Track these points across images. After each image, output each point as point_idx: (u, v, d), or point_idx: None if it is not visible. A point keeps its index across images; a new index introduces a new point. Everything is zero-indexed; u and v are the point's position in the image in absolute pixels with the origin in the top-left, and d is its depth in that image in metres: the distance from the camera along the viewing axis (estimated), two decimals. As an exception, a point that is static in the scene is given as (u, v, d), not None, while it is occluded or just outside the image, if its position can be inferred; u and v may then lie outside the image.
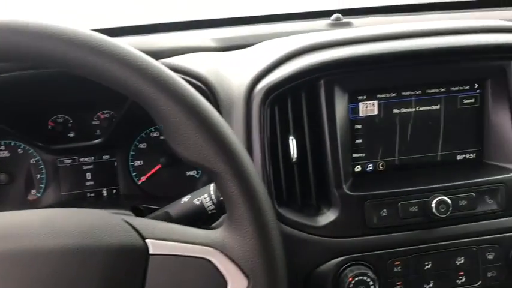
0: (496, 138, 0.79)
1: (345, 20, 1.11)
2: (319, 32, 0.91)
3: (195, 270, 0.47)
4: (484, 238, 0.76)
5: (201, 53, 0.88)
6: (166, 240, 0.48)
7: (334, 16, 1.11)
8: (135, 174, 0.90)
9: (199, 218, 0.62)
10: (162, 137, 0.91)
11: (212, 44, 1.01)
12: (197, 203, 0.61)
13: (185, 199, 0.63)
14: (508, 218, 0.77)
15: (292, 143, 0.74)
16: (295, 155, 0.74)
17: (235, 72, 0.80)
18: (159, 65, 0.48)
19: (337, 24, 1.10)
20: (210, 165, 0.46)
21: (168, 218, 0.62)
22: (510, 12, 1.10)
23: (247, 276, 0.47)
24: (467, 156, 0.81)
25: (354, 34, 0.79)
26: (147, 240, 0.48)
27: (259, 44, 0.89)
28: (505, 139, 0.78)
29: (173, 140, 0.47)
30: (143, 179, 0.90)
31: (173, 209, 0.63)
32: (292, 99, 0.75)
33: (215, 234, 0.49)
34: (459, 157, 0.81)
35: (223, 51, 0.96)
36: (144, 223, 0.49)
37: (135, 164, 0.90)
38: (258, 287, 0.47)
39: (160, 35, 1.04)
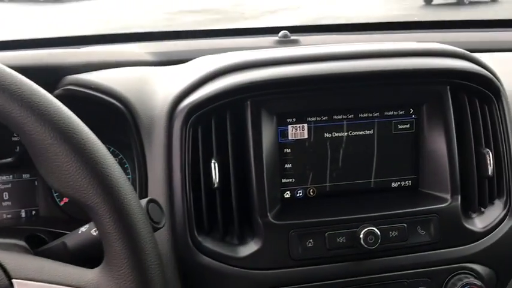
0: (431, 166, 0.76)
1: (293, 37, 1.08)
2: (259, 49, 0.87)
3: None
4: (415, 271, 0.73)
5: (132, 67, 0.83)
6: (34, 280, 0.42)
7: (281, 33, 1.08)
8: (56, 195, 0.84)
9: (97, 250, 0.56)
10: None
11: (150, 58, 0.96)
12: (94, 234, 0.56)
13: (83, 229, 0.57)
14: (440, 251, 0.73)
15: (215, 167, 0.69)
16: (217, 180, 0.69)
17: (160, 90, 0.75)
18: (31, 84, 0.43)
19: (284, 42, 1.07)
20: (82, 199, 0.41)
21: (63, 250, 0.57)
22: (453, 35, 1.09)
23: None
24: (403, 183, 0.78)
25: (288, 54, 0.75)
26: (13, 281, 0.42)
27: (194, 60, 0.85)
28: (440, 167, 0.75)
29: (43, 168, 0.42)
30: (65, 200, 0.84)
31: (70, 239, 0.57)
32: (217, 120, 0.71)
33: (91, 274, 0.44)
34: (394, 184, 0.78)
35: (162, 65, 0.91)
36: (14, 260, 0.44)
37: (57, 184, 0.84)
38: None
39: (94, 47, 0.99)
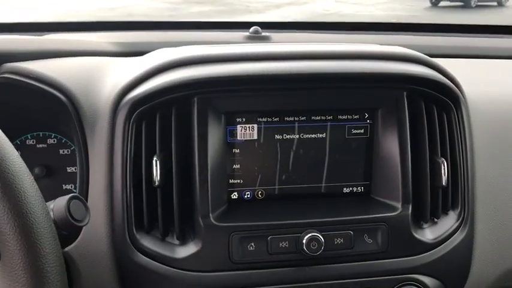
0: (384, 173, 0.74)
1: (264, 33, 1.06)
2: (226, 44, 0.85)
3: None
4: (360, 280, 0.71)
5: (84, 58, 0.81)
6: None
7: (252, 29, 1.06)
8: None
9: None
10: (38, 146, 0.84)
11: (112, 49, 0.94)
12: None
13: None
14: (387, 260, 0.71)
15: (156, 164, 0.67)
16: (159, 178, 0.67)
17: (109, 82, 0.73)
18: None
19: (255, 37, 1.05)
20: None
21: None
22: (433, 38, 1.07)
23: None
24: (355, 189, 0.76)
25: (242, 51, 0.73)
26: None
27: (151, 52, 0.83)
28: (392, 175, 0.73)
29: None
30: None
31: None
32: (162, 116, 0.69)
33: None
34: (345, 190, 0.76)
35: (125, 56, 0.89)
36: None
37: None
38: None
39: (57, 35, 0.96)
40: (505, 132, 0.82)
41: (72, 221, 0.52)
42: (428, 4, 10.44)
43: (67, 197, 0.53)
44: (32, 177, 0.45)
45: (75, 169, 0.83)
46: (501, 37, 1.16)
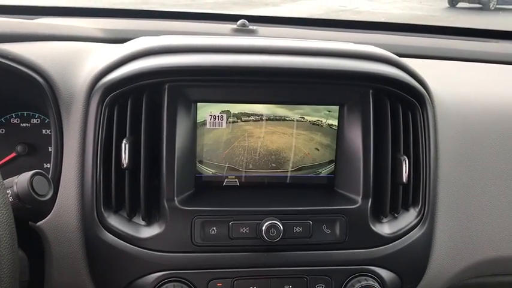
0: (347, 167, 0.76)
1: (251, 27, 1.08)
2: (212, 35, 0.87)
3: None
4: (316, 269, 0.74)
5: (66, 42, 0.85)
6: None
7: (240, 22, 1.08)
8: (-13, 162, 0.87)
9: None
10: (22, 125, 0.88)
11: (99, 35, 0.97)
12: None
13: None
14: (344, 251, 0.74)
15: (125, 147, 0.70)
16: (127, 161, 0.70)
17: (87, 67, 0.76)
18: None
19: (241, 30, 1.08)
20: None
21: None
22: (414, 39, 1.08)
23: None
24: (319, 181, 0.78)
25: (217, 42, 0.75)
26: None
27: (132, 40, 0.86)
28: (354, 169, 0.75)
29: None
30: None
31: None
32: (133, 102, 0.72)
33: None
34: (310, 181, 0.78)
35: (110, 42, 0.93)
36: None
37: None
38: None
39: (48, 19, 1.00)
40: (472, 134, 0.84)
41: (35, 195, 0.55)
42: (446, 5, 10.33)
43: (30, 172, 0.56)
44: None
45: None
46: (486, 41, 1.17)
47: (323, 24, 1.12)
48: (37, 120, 0.88)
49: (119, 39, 0.95)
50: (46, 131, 0.88)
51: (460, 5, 10.27)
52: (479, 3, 10.11)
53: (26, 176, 0.56)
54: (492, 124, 0.85)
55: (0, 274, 0.45)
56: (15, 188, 0.59)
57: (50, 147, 0.88)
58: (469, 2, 10.19)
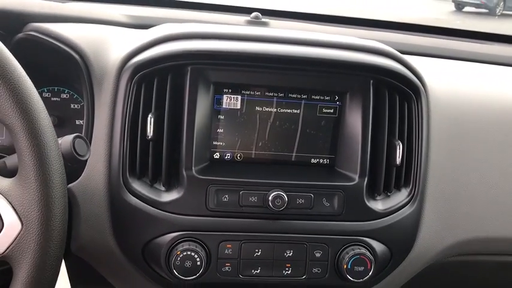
0: (347, 149, 0.85)
1: (264, 19, 1.16)
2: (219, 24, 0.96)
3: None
4: (315, 237, 0.82)
5: (98, 25, 0.93)
6: None
7: (253, 14, 1.16)
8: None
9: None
10: (53, 99, 0.96)
11: (124, 20, 1.06)
12: None
13: (21, 153, 0.68)
14: (340, 222, 0.83)
15: (151, 121, 0.79)
16: (152, 132, 0.79)
17: (116, 48, 0.85)
18: None
19: (254, 23, 1.15)
20: (4, 119, 0.52)
21: (3, 166, 0.67)
22: (413, 37, 1.17)
23: (22, 222, 0.52)
24: (321, 161, 0.87)
25: (234, 31, 0.84)
26: None
27: (157, 26, 0.94)
28: (354, 151, 0.84)
29: None
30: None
31: (10, 159, 0.68)
32: (159, 81, 0.80)
33: (6, 181, 0.54)
34: (313, 161, 0.87)
35: (134, 28, 1.01)
36: None
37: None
38: (30, 233, 0.52)
39: (76, 3, 1.08)
40: (462, 125, 0.93)
41: (76, 155, 0.64)
42: (453, 9, 10.39)
43: (72, 135, 0.65)
44: (48, 114, 0.57)
45: (82, 122, 0.96)
46: (484, 43, 1.25)
47: (332, 20, 1.20)
48: (66, 96, 0.96)
49: (142, 25, 1.03)
50: (74, 106, 0.96)
51: (467, 9, 10.32)
52: (485, 8, 10.18)
53: (69, 137, 0.64)
54: (482, 118, 0.94)
55: (54, 211, 0.54)
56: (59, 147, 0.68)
57: (77, 121, 0.97)
58: (476, 7, 10.25)
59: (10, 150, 0.91)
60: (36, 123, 0.53)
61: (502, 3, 9.78)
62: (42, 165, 0.52)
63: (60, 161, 0.55)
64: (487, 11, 10.11)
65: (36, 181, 0.52)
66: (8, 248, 0.52)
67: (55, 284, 0.56)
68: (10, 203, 0.53)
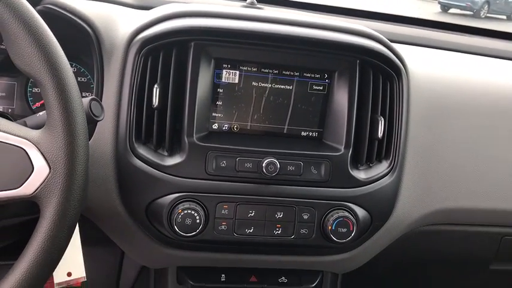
0: (334, 123, 0.93)
1: (259, 5, 1.24)
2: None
3: (10, 155, 0.60)
4: (304, 201, 0.90)
5: (111, 4, 1.00)
6: None
7: (249, 0, 1.24)
8: (31, 100, 1.02)
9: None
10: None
11: (131, 2, 1.13)
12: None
13: (41, 113, 0.75)
14: (326, 189, 0.91)
15: (156, 91, 0.86)
16: (157, 102, 0.86)
17: (125, 24, 0.92)
18: None
19: (250, 7, 1.23)
20: (34, 74, 0.59)
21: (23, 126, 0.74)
22: (402, 28, 1.26)
23: (49, 166, 0.60)
24: (310, 134, 0.95)
25: (233, 11, 0.92)
26: None
27: (164, 5, 1.01)
28: (340, 125, 0.92)
29: (11, 49, 0.59)
30: (37, 104, 1.02)
31: (30, 120, 0.75)
32: (164, 54, 0.87)
33: (35, 132, 0.62)
34: (303, 134, 0.95)
35: (139, 9, 1.08)
36: None
37: (33, 91, 1.02)
38: (57, 175, 0.59)
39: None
40: (440, 106, 1.02)
41: (92, 115, 0.71)
42: (439, 10, 10.59)
43: (89, 98, 0.72)
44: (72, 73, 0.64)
45: (89, 95, 1.02)
46: (464, 35, 1.35)
47: (324, 9, 1.28)
48: (74, 69, 1.03)
49: (148, 7, 1.10)
50: (81, 79, 1.03)
51: (452, 11, 10.53)
52: (470, 10, 10.39)
53: (86, 99, 0.71)
54: (459, 100, 1.04)
55: (79, 157, 0.61)
56: None
57: (83, 93, 1.03)
58: (461, 9, 10.46)
59: (21, 118, 0.98)
60: (64, 80, 0.60)
61: (486, 6, 9.99)
62: (68, 117, 0.60)
63: (84, 114, 0.62)
64: (471, 13, 10.33)
65: (63, 130, 0.59)
66: (37, 189, 0.59)
67: (76, 224, 0.63)
68: (39, 150, 0.60)
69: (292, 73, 0.92)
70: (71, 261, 0.84)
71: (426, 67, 1.06)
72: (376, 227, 0.96)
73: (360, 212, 0.93)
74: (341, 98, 0.93)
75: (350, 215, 0.91)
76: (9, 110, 1.02)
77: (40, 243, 0.59)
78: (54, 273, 0.84)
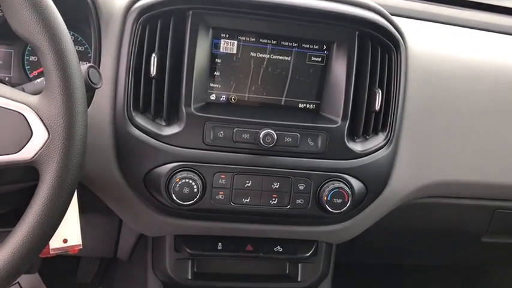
0: (332, 95, 0.94)
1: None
2: None
3: (9, 120, 0.60)
4: (300, 172, 0.92)
5: None
6: None
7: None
8: (28, 68, 1.01)
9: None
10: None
11: None
12: (44, 83, 0.73)
13: (39, 80, 0.75)
14: (322, 160, 0.92)
15: (154, 60, 0.86)
16: (155, 71, 0.86)
17: (122, -7, 0.91)
18: None
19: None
20: (33, 39, 0.59)
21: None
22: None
23: (48, 131, 0.60)
24: (308, 106, 0.96)
25: None
26: None
27: None
28: (337, 97, 0.93)
29: (9, 15, 0.59)
30: (35, 72, 1.01)
31: (28, 86, 0.75)
32: (162, 23, 0.87)
33: (33, 97, 0.62)
34: (301, 105, 0.96)
35: None
36: None
37: (30, 59, 1.01)
38: (56, 140, 0.60)
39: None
40: (438, 79, 1.02)
41: (90, 82, 0.71)
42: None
43: (87, 65, 0.72)
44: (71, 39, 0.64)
45: (85, 63, 1.01)
46: (465, 10, 1.34)
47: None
48: (71, 38, 1.02)
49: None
50: (79, 48, 1.02)
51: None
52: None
53: (84, 66, 0.71)
54: (458, 74, 1.04)
55: (77, 122, 0.61)
56: None
57: (81, 62, 1.02)
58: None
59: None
60: (63, 45, 0.60)
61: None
62: (67, 82, 0.60)
63: (82, 80, 0.63)
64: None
65: (61, 95, 0.59)
66: (36, 154, 0.60)
67: (75, 189, 0.64)
68: (38, 115, 0.60)
69: (291, 44, 0.92)
70: (67, 228, 0.86)
71: (425, 41, 1.06)
72: (370, 198, 0.98)
73: (356, 183, 0.94)
74: (339, 69, 0.93)
75: (345, 186, 0.92)
76: (7, 79, 1.01)
77: (40, 207, 0.60)
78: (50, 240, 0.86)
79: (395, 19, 0.96)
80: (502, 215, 1.14)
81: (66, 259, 1.29)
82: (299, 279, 1.10)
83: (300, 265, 1.10)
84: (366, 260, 1.54)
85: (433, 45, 1.06)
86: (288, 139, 0.90)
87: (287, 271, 1.13)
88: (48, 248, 0.86)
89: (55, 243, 0.87)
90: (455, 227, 1.17)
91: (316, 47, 0.93)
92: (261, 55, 0.92)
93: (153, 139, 0.87)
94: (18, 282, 1.64)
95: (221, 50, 0.90)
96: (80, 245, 0.88)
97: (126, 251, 1.21)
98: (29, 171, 0.64)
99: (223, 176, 0.89)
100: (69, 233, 0.89)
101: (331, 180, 0.92)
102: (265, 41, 0.91)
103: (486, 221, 1.16)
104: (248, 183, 0.90)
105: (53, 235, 0.66)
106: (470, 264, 1.65)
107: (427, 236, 1.24)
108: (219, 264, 1.11)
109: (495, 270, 1.69)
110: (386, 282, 1.76)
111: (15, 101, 0.60)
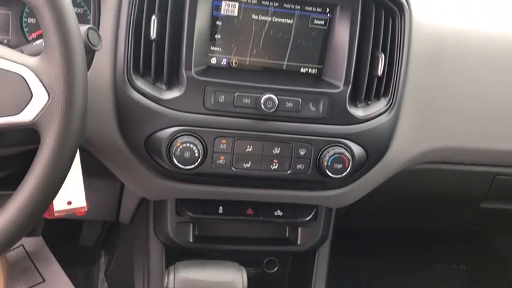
0: (334, 59, 0.92)
1: None
2: None
3: (9, 81, 0.59)
4: (301, 137, 0.91)
5: None
6: None
7: None
8: (26, 30, 1.00)
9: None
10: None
11: None
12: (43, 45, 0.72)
13: (38, 42, 0.74)
14: (323, 125, 0.92)
15: (154, 22, 0.85)
16: (155, 34, 0.85)
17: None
18: None
19: None
20: (32, 1, 0.57)
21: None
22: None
23: (48, 93, 0.60)
24: (310, 70, 0.95)
25: None
26: None
27: None
28: (339, 61, 0.91)
29: None
30: (33, 35, 1.00)
31: (27, 48, 0.74)
32: None
33: (33, 59, 0.61)
34: (302, 70, 0.94)
35: None
36: None
37: (28, 21, 0.99)
38: (56, 102, 0.60)
39: None
40: (442, 46, 1.00)
41: (90, 44, 0.70)
42: None
43: (86, 26, 0.71)
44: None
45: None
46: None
47: None
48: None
49: None
50: (78, 10, 1.00)
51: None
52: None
53: (83, 28, 0.70)
54: (462, 41, 1.02)
55: (77, 84, 0.61)
56: None
57: (80, 25, 1.01)
58: None
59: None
60: (61, 6, 0.58)
61: None
62: (66, 43, 0.59)
63: (81, 41, 0.62)
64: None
65: (60, 57, 0.59)
66: (36, 116, 0.60)
67: (76, 151, 0.64)
68: (37, 76, 0.59)
69: (294, 6, 0.90)
70: (71, 190, 0.86)
71: (430, 6, 1.04)
72: (371, 164, 0.98)
73: (356, 148, 0.94)
74: (342, 33, 0.91)
75: (346, 152, 0.92)
76: (5, 41, 1.00)
77: (41, 170, 0.60)
78: (54, 202, 0.86)
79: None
80: (501, 181, 1.15)
81: (69, 222, 1.31)
82: (298, 243, 1.12)
83: (299, 229, 1.12)
84: (366, 225, 1.56)
85: (437, 9, 1.04)
86: (289, 104, 0.89)
87: (287, 235, 1.14)
88: (53, 209, 0.87)
89: (59, 205, 0.88)
90: (455, 193, 1.18)
91: (319, 9, 0.91)
92: (262, 18, 0.90)
93: (153, 103, 0.87)
94: (22, 245, 1.68)
95: (222, 13, 0.89)
96: (85, 206, 0.89)
97: (128, 215, 1.23)
98: (30, 134, 0.64)
99: (224, 141, 0.89)
100: (74, 195, 0.89)
101: (331, 146, 0.92)
102: (267, 3, 0.89)
103: (486, 187, 1.16)
104: (249, 148, 0.90)
105: (54, 198, 0.66)
106: (469, 229, 1.67)
107: (426, 202, 1.25)
108: (220, 227, 1.13)
109: (494, 236, 1.71)
110: (386, 246, 1.79)
111: (15, 62, 0.60)
